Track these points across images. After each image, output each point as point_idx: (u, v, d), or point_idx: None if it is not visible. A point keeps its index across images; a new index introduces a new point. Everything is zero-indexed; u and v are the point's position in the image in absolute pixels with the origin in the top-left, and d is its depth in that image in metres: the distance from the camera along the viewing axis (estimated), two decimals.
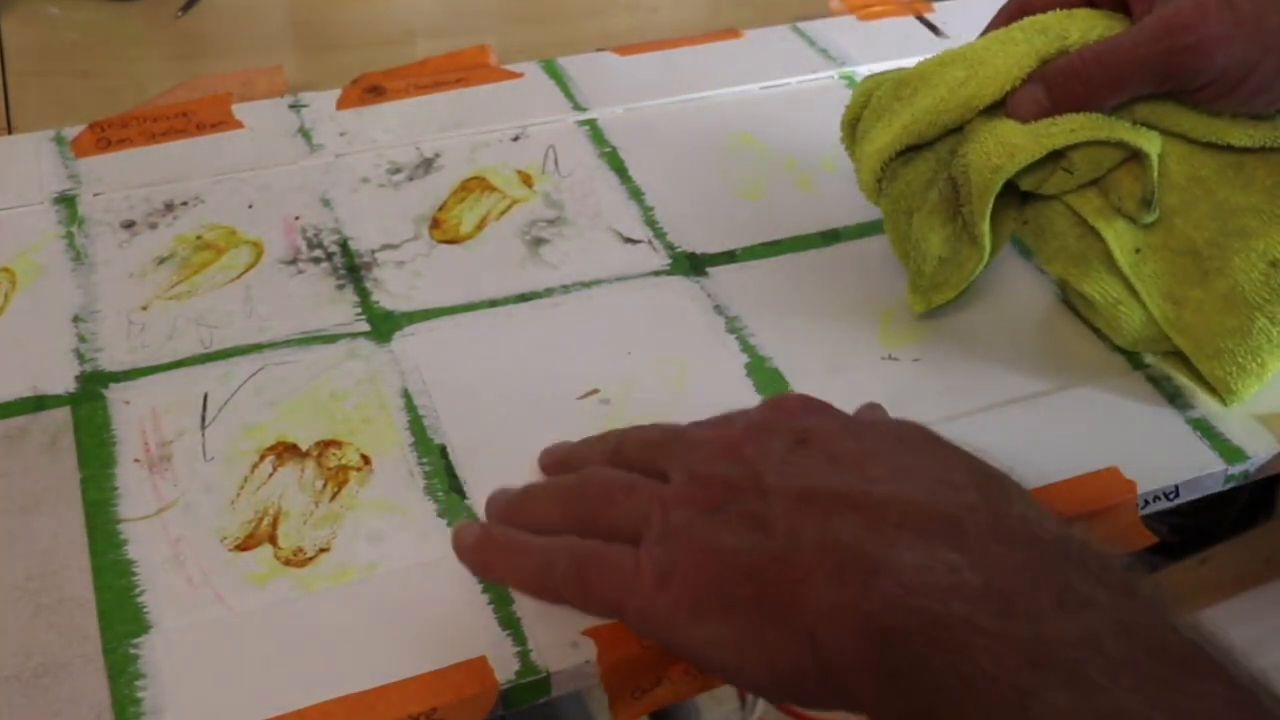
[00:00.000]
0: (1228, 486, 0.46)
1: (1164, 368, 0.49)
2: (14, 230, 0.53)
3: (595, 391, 0.47)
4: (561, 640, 0.38)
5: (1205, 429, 0.47)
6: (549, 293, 0.51)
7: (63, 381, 0.46)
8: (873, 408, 0.44)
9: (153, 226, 0.54)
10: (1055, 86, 0.46)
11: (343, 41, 0.68)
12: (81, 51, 0.67)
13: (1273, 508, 1.11)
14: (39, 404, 0.45)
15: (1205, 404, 0.48)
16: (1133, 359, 0.50)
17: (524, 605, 0.39)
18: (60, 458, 0.43)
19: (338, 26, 0.69)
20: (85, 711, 0.35)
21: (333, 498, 0.42)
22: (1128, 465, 0.45)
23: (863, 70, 0.67)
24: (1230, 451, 0.46)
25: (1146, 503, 0.45)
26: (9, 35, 0.66)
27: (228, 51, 0.67)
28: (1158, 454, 0.46)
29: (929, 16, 0.73)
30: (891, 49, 0.69)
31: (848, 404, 0.47)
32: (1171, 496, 0.45)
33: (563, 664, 0.37)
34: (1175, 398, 0.48)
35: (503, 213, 0.56)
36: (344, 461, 0.43)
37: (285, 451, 0.44)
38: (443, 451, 0.44)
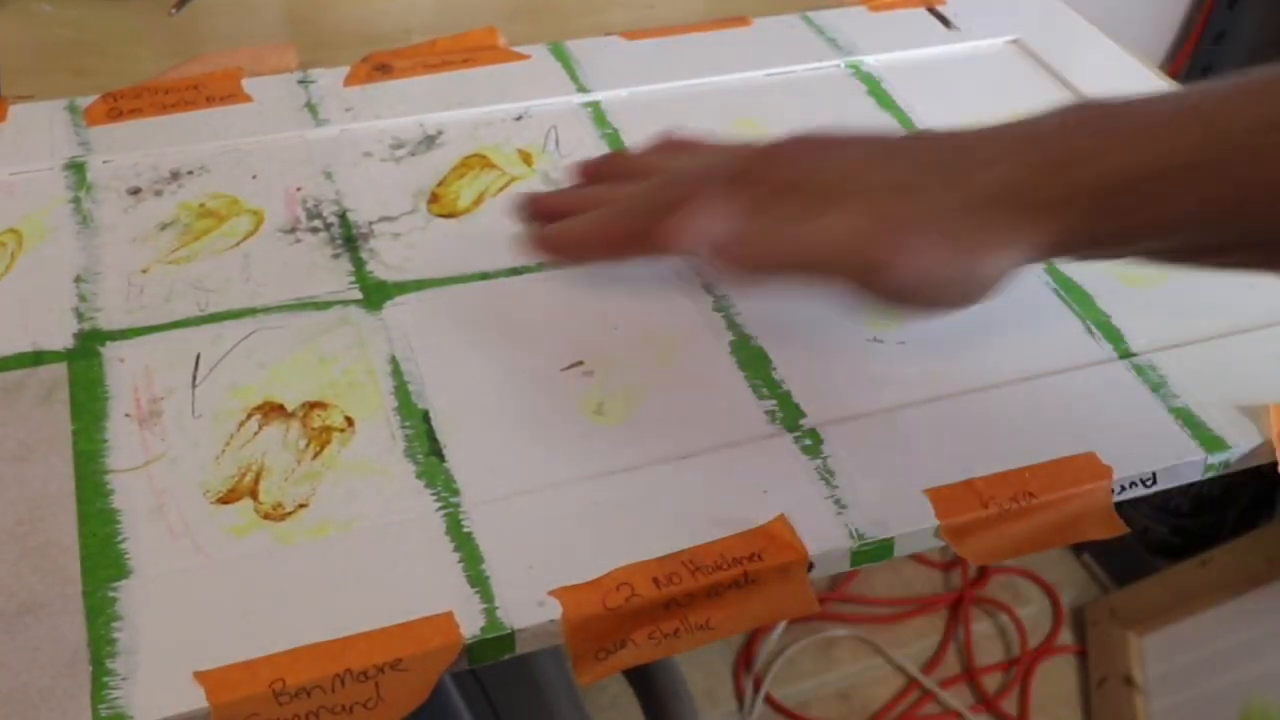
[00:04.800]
0: (1207, 476, 0.46)
1: (1150, 356, 0.49)
2: (24, 193, 0.54)
3: (579, 364, 0.48)
4: (528, 599, 0.39)
5: (1187, 418, 0.47)
6: (540, 267, 0.52)
7: (61, 338, 0.47)
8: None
9: (158, 193, 0.55)
10: None
11: (338, 40, 0.68)
12: (75, 49, 0.67)
13: (1274, 509, 1.10)
14: (37, 359, 0.46)
15: (1189, 393, 0.48)
16: (1119, 347, 0.50)
17: (493, 564, 0.40)
18: (54, 410, 0.44)
19: (333, 24, 0.70)
20: (62, 649, 0.36)
21: (315, 456, 0.43)
22: (1106, 451, 0.45)
23: (869, 60, 0.67)
24: (1211, 441, 0.46)
25: (1123, 488, 0.45)
26: (1, 33, 0.67)
27: (221, 49, 0.68)
28: (1138, 441, 0.46)
29: (940, 9, 0.73)
30: (901, 39, 0.69)
31: (838, 384, 0.47)
32: (1149, 483, 0.45)
33: (528, 621, 0.38)
34: (1159, 387, 0.48)
35: (501, 189, 0.57)
36: (328, 422, 0.44)
37: (272, 411, 0.45)
38: (425, 416, 0.45)
